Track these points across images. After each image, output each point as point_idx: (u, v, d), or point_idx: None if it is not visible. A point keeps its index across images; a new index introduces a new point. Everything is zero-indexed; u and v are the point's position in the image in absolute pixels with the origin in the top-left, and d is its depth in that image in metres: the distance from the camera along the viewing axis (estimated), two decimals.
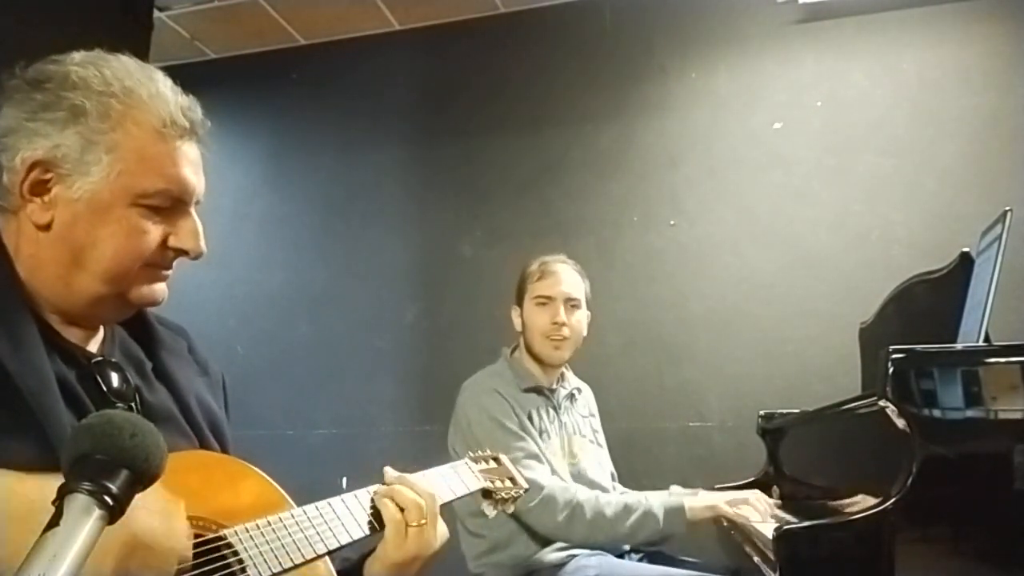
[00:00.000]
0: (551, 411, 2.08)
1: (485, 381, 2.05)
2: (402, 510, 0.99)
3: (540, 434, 2.01)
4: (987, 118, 2.78)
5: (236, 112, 3.65)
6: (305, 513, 0.91)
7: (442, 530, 1.03)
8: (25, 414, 0.77)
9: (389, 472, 1.05)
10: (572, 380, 2.22)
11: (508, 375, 2.08)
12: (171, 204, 0.90)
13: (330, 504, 0.96)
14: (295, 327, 3.44)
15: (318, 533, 0.90)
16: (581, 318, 2.12)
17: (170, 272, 0.94)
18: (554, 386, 2.13)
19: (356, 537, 0.96)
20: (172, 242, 0.91)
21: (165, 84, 0.92)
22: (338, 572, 0.97)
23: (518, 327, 2.14)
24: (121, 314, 0.96)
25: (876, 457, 1.37)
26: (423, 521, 0.99)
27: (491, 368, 2.13)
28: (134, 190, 0.87)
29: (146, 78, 0.91)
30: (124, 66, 0.90)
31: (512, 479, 1.24)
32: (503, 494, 1.20)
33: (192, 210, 0.93)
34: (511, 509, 1.28)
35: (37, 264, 0.88)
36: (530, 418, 2.01)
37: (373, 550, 1.01)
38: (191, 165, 0.92)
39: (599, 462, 2.15)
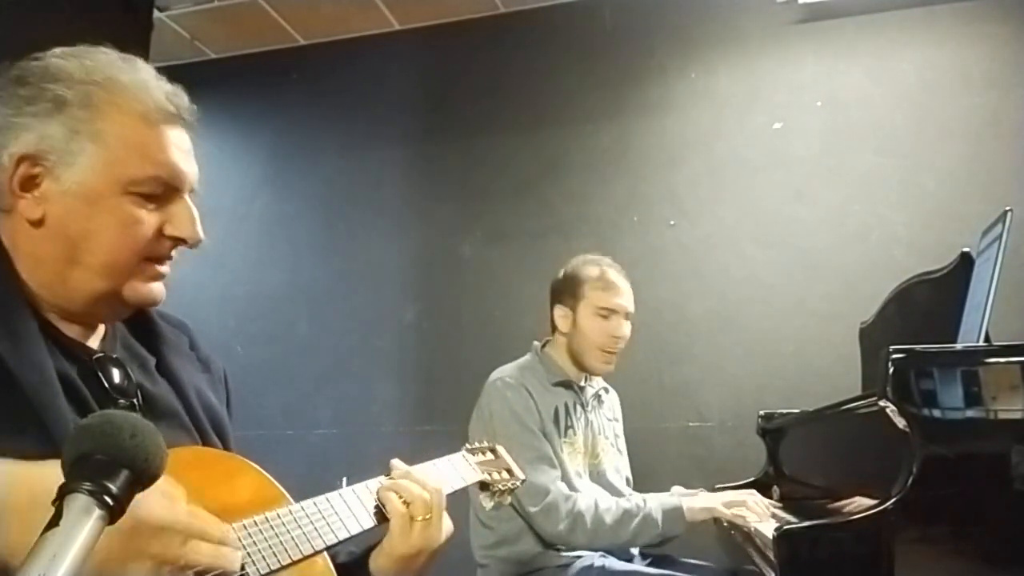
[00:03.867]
0: (579, 407, 2.07)
1: (514, 374, 2.03)
2: (407, 504, 0.99)
3: (565, 430, 2.00)
4: (987, 118, 2.78)
5: (236, 112, 3.65)
6: (304, 509, 0.91)
7: (447, 525, 1.03)
8: (26, 410, 0.77)
9: (397, 466, 1.04)
10: (599, 380, 2.21)
11: (538, 369, 2.06)
12: (163, 191, 0.89)
13: (328, 499, 0.95)
14: (295, 327, 3.43)
15: (316, 529, 0.90)
16: (629, 330, 2.12)
17: (167, 270, 0.92)
18: (583, 383, 2.12)
19: (355, 532, 0.96)
20: (168, 230, 0.89)
21: (147, 72, 0.91)
22: (342, 565, 0.97)
23: (563, 328, 2.09)
24: (117, 314, 0.94)
25: (876, 457, 1.37)
26: (428, 515, 0.99)
27: (521, 361, 2.10)
28: (124, 178, 0.86)
29: (128, 66, 0.90)
30: (106, 56, 0.90)
31: (509, 470, 1.25)
32: (500, 486, 1.20)
33: (187, 197, 0.91)
34: (508, 500, 1.28)
35: (35, 262, 0.87)
36: (556, 413, 2.00)
37: (378, 543, 1.01)
38: (180, 151, 0.90)
39: (617, 467, 2.14)
